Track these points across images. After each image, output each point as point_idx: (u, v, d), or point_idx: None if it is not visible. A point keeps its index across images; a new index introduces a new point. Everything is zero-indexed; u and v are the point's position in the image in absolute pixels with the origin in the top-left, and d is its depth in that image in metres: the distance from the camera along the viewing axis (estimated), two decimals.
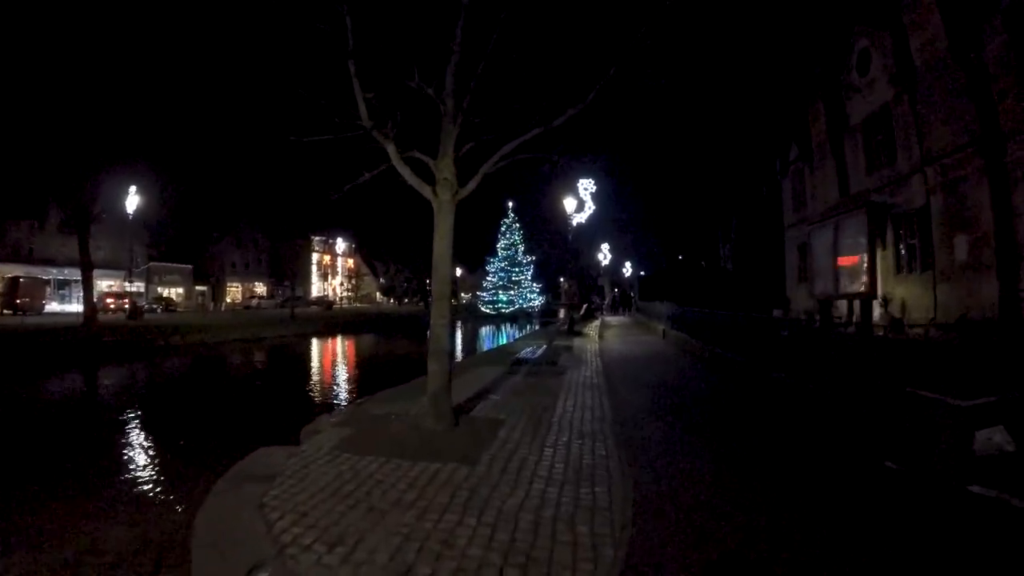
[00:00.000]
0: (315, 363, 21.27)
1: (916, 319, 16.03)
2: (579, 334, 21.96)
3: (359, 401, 8.70)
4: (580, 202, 22.78)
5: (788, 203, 29.50)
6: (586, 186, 23.43)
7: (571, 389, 9.23)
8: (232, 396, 13.76)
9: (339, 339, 30.79)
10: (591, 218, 25.00)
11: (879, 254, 18.86)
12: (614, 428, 6.50)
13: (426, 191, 6.03)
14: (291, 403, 12.39)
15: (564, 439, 5.97)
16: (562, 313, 62.27)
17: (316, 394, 13.92)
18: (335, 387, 15.14)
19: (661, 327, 22.28)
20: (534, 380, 10.00)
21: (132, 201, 28.83)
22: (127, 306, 34.90)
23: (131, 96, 24.65)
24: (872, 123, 19.53)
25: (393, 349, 25.02)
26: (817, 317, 21.26)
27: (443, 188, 5.93)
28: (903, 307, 17.09)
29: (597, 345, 17.96)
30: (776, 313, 26.03)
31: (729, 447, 5.85)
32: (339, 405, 11.20)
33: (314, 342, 28.14)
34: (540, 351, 13.88)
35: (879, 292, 18.00)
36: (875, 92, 19.06)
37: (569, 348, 16.31)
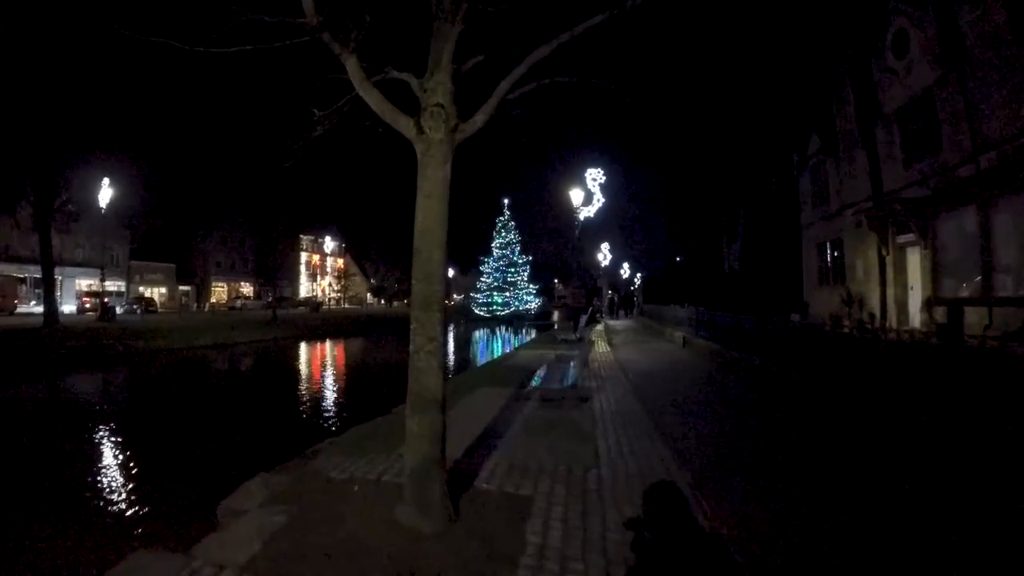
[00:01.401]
0: (284, 377, 18.41)
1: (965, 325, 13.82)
2: (587, 341, 19.56)
3: (316, 448, 6.16)
4: (588, 194, 20.42)
5: (807, 200, 27.47)
6: (595, 176, 21.01)
7: (607, 426, 6.81)
8: (162, 428, 10.82)
9: (320, 345, 28.22)
10: (592, 215, 22.57)
11: (920, 255, 16.58)
12: (698, 499, 4.10)
13: (405, 125, 3.59)
14: (230, 444, 9.54)
15: (633, 534, 3.57)
16: (556, 315, 60.08)
17: (267, 428, 10.91)
18: (296, 416, 12.26)
19: (678, 333, 19.96)
20: (555, 412, 7.55)
21: (105, 194, 26.69)
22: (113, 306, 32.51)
23: (89, 74, 22.11)
24: (911, 110, 17.19)
25: (378, 358, 22.39)
26: (847, 323, 19.22)
27: (433, 119, 3.47)
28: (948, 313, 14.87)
29: (612, 355, 15.60)
30: (794, 318, 24.10)
31: (906, 538, 3.47)
32: (295, 445, 8.08)
33: (291, 348, 25.58)
34: (552, 366, 11.51)
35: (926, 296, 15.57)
36: (914, 75, 16.77)
37: (583, 361, 13.94)
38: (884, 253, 18.32)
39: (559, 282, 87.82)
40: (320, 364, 21.53)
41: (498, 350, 25.72)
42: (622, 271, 58.87)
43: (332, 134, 4.48)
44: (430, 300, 3.63)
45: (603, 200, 20.99)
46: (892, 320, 17.71)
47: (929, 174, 16.03)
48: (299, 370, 20.00)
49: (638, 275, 61.59)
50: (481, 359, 22.45)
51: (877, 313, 18.42)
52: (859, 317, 19.03)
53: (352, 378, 18.11)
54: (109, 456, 8.91)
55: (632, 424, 6.94)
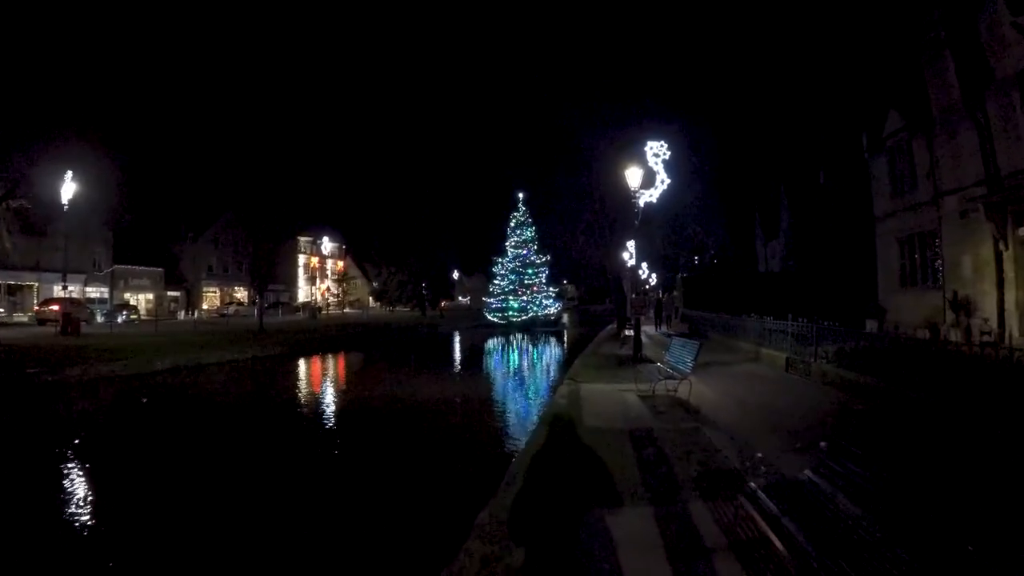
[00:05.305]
0: (255, 437, 11.30)
1: None
2: (647, 361, 14.86)
3: None
4: (650, 173, 15.75)
5: (882, 187, 23.76)
6: (656, 151, 16.32)
7: None
8: None
9: (310, 366, 23.36)
10: (654, 199, 17.79)
11: None
12: None
13: None
14: None
15: None
16: (565, 318, 55.05)
17: None
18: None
19: (767, 351, 15.41)
20: None
21: (68, 188, 22.84)
22: (77, 317, 27.79)
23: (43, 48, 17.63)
24: None
25: (397, 392, 16.41)
26: (953, 334, 15.41)
27: None
28: None
29: (709, 393, 10.95)
30: (870, 325, 20.04)
31: None
32: None
33: (273, 372, 20.58)
34: (660, 431, 6.98)
35: None
36: None
37: (693, 410, 9.35)
38: (1002, 248, 15.11)
39: (568, 284, 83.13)
40: (316, 406, 14.96)
41: (539, 378, 20.99)
42: (641, 272, 54.49)
43: None
44: None
45: (669, 181, 16.28)
46: (1013, 328, 14.63)
47: None
48: (277, 419, 13.18)
49: (653, 276, 57.29)
50: (521, 397, 17.49)
51: (993, 321, 15.24)
52: (968, 324, 15.78)
53: (365, 439, 11.27)
54: None
55: None
